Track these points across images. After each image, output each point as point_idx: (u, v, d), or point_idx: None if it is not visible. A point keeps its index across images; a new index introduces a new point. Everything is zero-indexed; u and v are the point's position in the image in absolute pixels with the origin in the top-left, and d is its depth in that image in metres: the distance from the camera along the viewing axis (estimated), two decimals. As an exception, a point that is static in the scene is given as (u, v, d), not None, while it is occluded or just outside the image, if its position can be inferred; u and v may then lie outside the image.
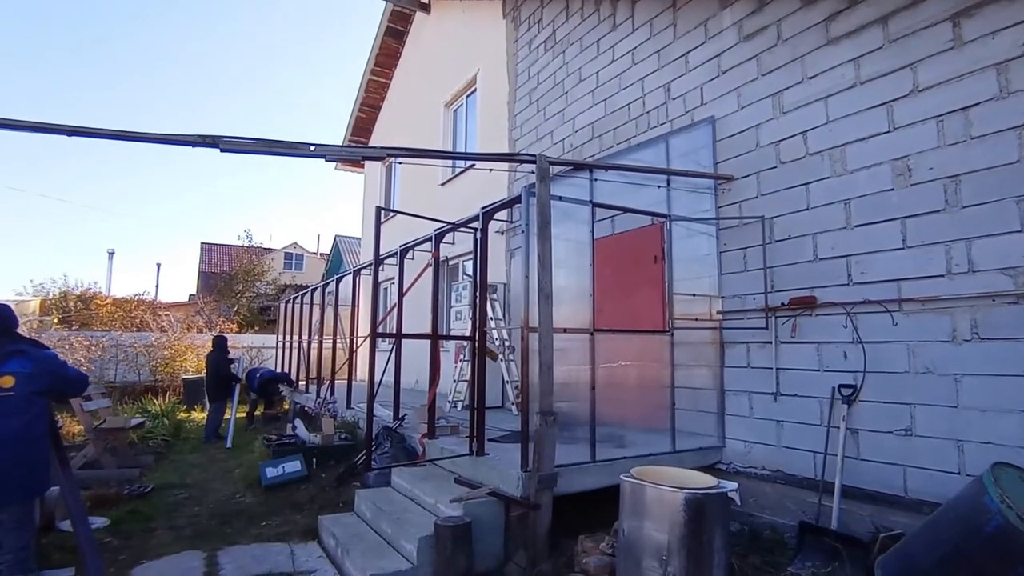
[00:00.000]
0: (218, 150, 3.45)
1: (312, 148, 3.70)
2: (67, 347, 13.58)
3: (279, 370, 13.39)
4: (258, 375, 12.10)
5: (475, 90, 11.00)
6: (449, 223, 5.76)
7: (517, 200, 4.87)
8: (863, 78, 4.40)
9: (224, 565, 4.49)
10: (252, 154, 3.55)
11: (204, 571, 4.39)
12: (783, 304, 4.80)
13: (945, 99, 3.91)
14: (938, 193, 3.91)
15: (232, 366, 10.68)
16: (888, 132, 4.22)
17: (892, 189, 4.17)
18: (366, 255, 15.71)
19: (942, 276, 3.86)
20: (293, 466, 6.60)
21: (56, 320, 18.29)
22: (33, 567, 3.43)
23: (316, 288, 12.24)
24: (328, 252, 32.91)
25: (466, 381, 8.02)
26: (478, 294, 5.15)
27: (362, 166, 16.89)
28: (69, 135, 3.26)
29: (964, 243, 3.77)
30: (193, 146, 3.45)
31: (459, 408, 7.88)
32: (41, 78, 64.91)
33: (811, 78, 4.77)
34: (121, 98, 71.43)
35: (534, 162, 4.47)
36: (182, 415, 11.90)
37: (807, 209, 4.73)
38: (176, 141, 3.45)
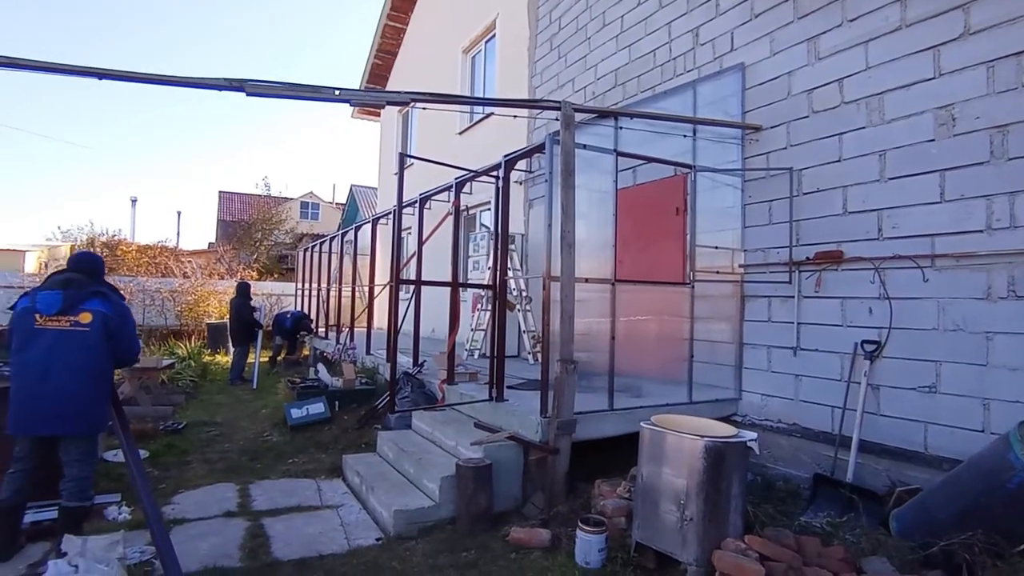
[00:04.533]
0: (244, 94, 3.42)
1: (337, 92, 3.63)
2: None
3: (300, 315, 13.59)
4: (289, 315, 12.36)
5: (494, 36, 10.66)
6: (470, 170, 5.69)
7: (540, 148, 4.79)
8: (909, 20, 4.17)
9: (256, 497, 4.70)
10: (277, 98, 3.51)
11: (238, 501, 4.60)
12: (808, 258, 4.72)
13: (998, 43, 3.70)
14: (983, 144, 3.75)
15: (255, 314, 10.88)
16: (933, 79, 4.02)
17: (933, 140, 4.01)
18: (383, 204, 15.67)
19: (980, 231, 3.74)
20: (317, 408, 6.80)
21: (84, 265, 18.60)
22: (91, 495, 3.65)
23: (335, 237, 12.29)
24: (343, 202, 32.90)
25: (483, 330, 8.13)
26: (499, 243, 5.12)
27: (379, 114, 16.64)
28: (100, 78, 3.23)
29: (1007, 197, 3.63)
30: (219, 90, 3.41)
31: (475, 356, 7.99)
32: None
33: (851, 21, 4.54)
34: (123, 45, 70.63)
35: (559, 109, 4.37)
36: (207, 358, 12.23)
37: (839, 161, 4.58)
38: (203, 85, 3.40)
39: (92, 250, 20.46)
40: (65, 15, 70.64)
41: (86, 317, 3.43)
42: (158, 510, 3.46)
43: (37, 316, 3.39)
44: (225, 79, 3.44)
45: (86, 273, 3.60)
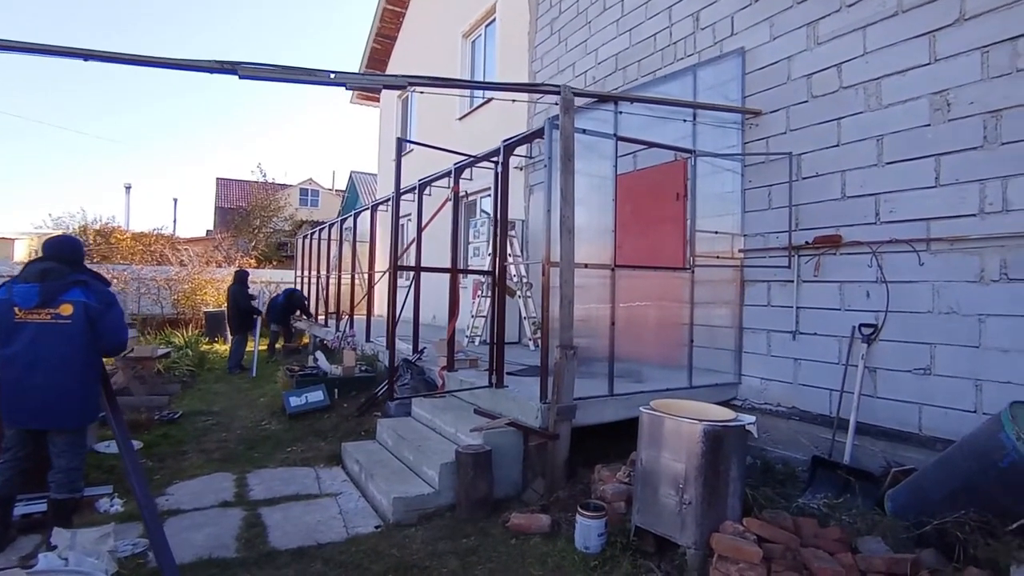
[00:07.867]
0: (237, 76, 3.38)
1: (332, 76, 3.61)
2: (90, 280, 13.82)
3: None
4: (280, 294, 12.27)
5: (494, 20, 10.58)
6: (469, 156, 5.67)
7: (539, 133, 4.77)
8: (906, 6, 4.16)
9: (253, 486, 4.71)
10: (271, 81, 3.48)
11: (235, 491, 4.60)
12: (807, 243, 4.74)
13: (993, 29, 3.70)
14: (977, 129, 3.76)
15: (253, 302, 10.87)
16: (928, 64, 4.02)
17: (928, 125, 4.01)
18: (383, 191, 15.61)
19: (974, 215, 3.76)
20: (316, 396, 6.81)
21: (78, 254, 18.51)
22: (80, 487, 3.62)
23: (334, 224, 12.26)
24: (343, 189, 32.77)
25: (483, 317, 8.13)
26: (498, 229, 5.12)
27: (378, 99, 16.52)
28: (85, 59, 3.18)
29: (1000, 181, 3.65)
30: (211, 72, 3.38)
31: (476, 343, 8.01)
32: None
33: (850, 6, 4.53)
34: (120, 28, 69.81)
35: (558, 93, 4.35)
36: (205, 347, 12.22)
37: (837, 145, 4.59)
38: (194, 67, 3.37)
39: (82, 236, 20.40)
40: (69, 10, 69.81)
41: (67, 309, 3.34)
42: (152, 500, 3.39)
43: (16, 309, 3.30)
44: (217, 62, 3.38)
45: (65, 261, 3.47)
